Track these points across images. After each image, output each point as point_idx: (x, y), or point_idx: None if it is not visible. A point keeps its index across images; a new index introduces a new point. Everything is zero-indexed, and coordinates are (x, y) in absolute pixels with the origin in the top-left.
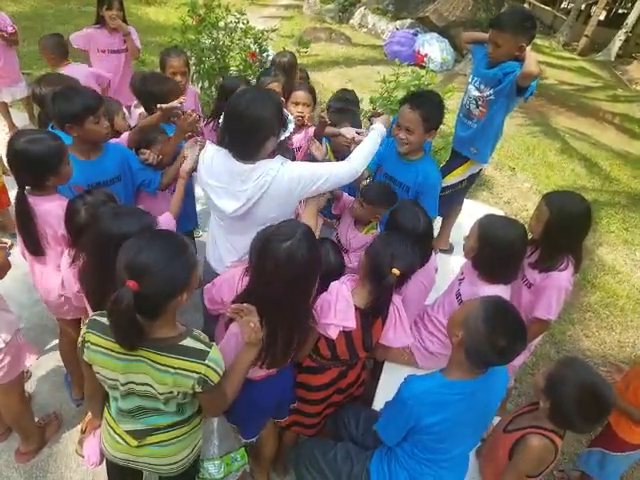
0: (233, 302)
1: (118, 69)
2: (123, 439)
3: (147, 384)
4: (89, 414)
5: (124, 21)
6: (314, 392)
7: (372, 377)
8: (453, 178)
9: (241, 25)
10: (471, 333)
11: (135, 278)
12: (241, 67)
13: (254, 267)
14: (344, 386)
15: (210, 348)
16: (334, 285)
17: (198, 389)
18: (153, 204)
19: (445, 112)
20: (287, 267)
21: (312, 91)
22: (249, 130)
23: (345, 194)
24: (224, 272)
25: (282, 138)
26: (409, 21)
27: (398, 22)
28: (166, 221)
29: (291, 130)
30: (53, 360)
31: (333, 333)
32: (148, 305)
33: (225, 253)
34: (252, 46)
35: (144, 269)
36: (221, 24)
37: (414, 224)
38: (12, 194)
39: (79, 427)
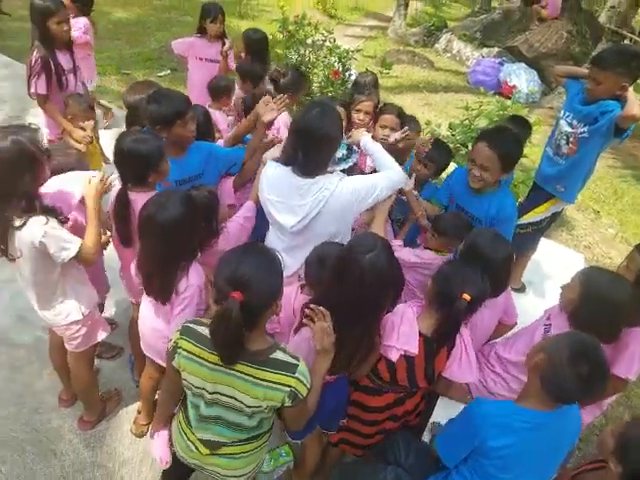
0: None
1: (211, 77)
2: (195, 447)
3: (234, 397)
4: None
5: (223, 33)
6: (368, 413)
7: (428, 407)
8: (535, 215)
9: (328, 43)
10: (552, 358)
11: (239, 289)
12: (323, 84)
13: (330, 277)
14: (399, 413)
15: (298, 361)
16: (400, 307)
17: (288, 403)
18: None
19: (528, 145)
20: (368, 278)
21: (401, 114)
22: (318, 145)
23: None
24: None
25: (346, 167)
26: (496, 49)
27: (485, 50)
28: (248, 208)
29: (355, 159)
30: (120, 339)
31: (394, 356)
32: (251, 316)
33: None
34: (336, 64)
35: (246, 280)
36: (309, 41)
37: (495, 251)
38: None
39: (136, 407)
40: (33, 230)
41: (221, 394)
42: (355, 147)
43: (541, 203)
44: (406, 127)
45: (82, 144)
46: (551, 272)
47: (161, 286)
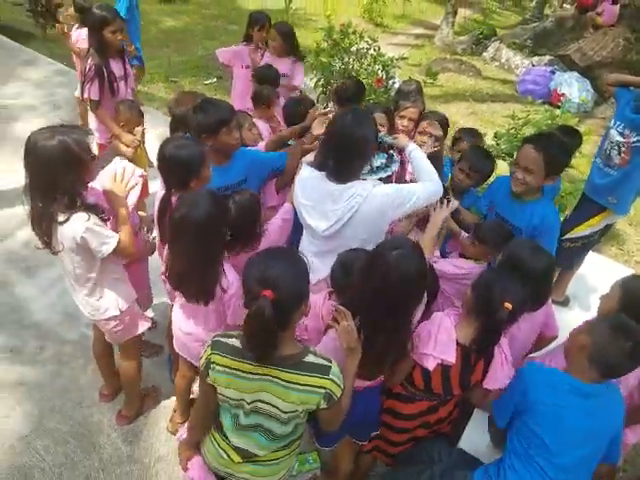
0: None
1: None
2: (227, 454)
3: (272, 404)
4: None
5: (266, 42)
6: (400, 420)
7: (463, 416)
8: (587, 229)
9: (372, 51)
10: (597, 339)
11: (269, 287)
12: (365, 92)
13: (358, 276)
14: (432, 421)
15: (331, 363)
16: (437, 315)
17: (323, 405)
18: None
19: (578, 155)
20: (394, 274)
21: (444, 122)
22: (349, 152)
23: (463, 232)
24: None
25: (384, 176)
26: (547, 58)
27: (535, 58)
28: (286, 210)
29: (395, 169)
30: (160, 339)
31: (430, 364)
32: (282, 314)
33: (313, 271)
34: (379, 72)
35: (276, 279)
36: (353, 49)
37: (535, 262)
38: (151, 185)
39: (173, 405)
40: (75, 226)
41: (260, 401)
42: (396, 156)
43: (592, 216)
44: (437, 143)
45: (130, 148)
46: (597, 287)
47: (201, 286)
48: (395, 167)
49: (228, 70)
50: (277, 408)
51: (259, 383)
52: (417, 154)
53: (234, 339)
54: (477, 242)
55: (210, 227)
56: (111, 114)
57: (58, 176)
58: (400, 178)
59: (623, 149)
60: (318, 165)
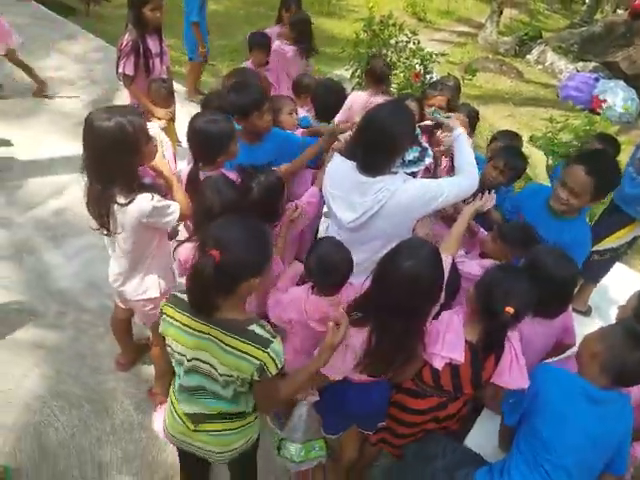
0: (349, 308)
1: (286, 62)
2: (183, 421)
3: (210, 364)
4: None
5: None
6: (409, 414)
7: (471, 413)
8: (616, 241)
9: (411, 45)
10: (611, 347)
11: (219, 248)
12: (402, 85)
13: (375, 276)
14: (441, 417)
15: (274, 339)
16: (446, 314)
17: (256, 377)
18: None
19: None
20: (409, 287)
21: (472, 115)
22: (385, 145)
23: (481, 230)
24: (289, 292)
25: (416, 170)
26: (593, 64)
27: (580, 64)
28: (312, 193)
29: (427, 163)
30: None
31: (438, 364)
32: (225, 279)
33: None
34: (417, 66)
35: (228, 243)
36: (392, 42)
37: (558, 270)
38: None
39: None
40: (142, 206)
41: (200, 360)
42: (429, 150)
43: (621, 227)
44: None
45: (163, 120)
46: (620, 299)
47: None
48: (428, 161)
49: None
50: (214, 368)
51: (201, 341)
52: (462, 142)
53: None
54: (499, 240)
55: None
56: (144, 90)
57: (116, 158)
58: (434, 174)
59: None
60: (348, 154)
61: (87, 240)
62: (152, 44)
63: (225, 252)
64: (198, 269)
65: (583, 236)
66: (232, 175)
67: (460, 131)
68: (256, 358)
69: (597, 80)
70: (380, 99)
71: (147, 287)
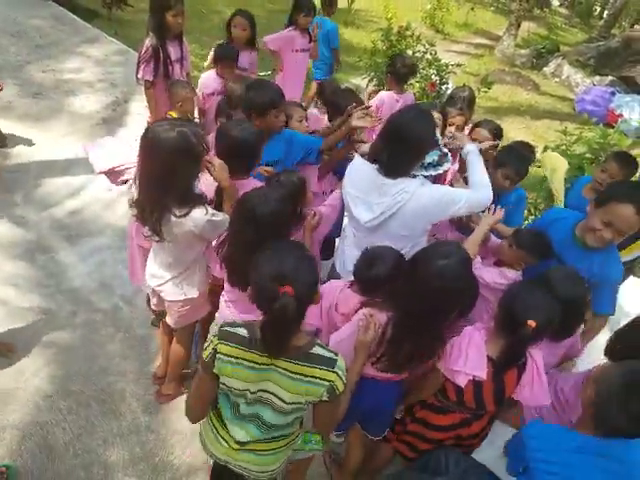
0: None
1: (303, 65)
2: (226, 441)
3: (275, 394)
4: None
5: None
6: (432, 431)
7: None
8: (634, 252)
9: (428, 56)
10: (602, 392)
11: (287, 283)
12: (418, 95)
13: (406, 270)
14: (464, 435)
15: (337, 356)
16: (467, 330)
17: (325, 397)
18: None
19: None
20: (435, 284)
21: (496, 131)
22: (405, 148)
23: (492, 236)
24: (329, 282)
25: (434, 174)
26: (609, 78)
27: (597, 77)
28: (335, 197)
29: (446, 168)
30: None
31: (462, 381)
32: (301, 309)
33: (349, 260)
34: (433, 77)
35: (292, 275)
36: (409, 52)
37: (568, 291)
38: None
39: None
40: (196, 220)
41: (264, 391)
42: (450, 156)
43: (636, 240)
44: (497, 142)
45: None
46: (632, 310)
47: (243, 275)
48: (447, 165)
49: (276, 56)
50: (281, 399)
51: (265, 373)
52: (474, 157)
53: (241, 328)
54: (515, 246)
55: (273, 224)
56: (162, 96)
57: (176, 169)
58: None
59: None
60: (372, 157)
61: (101, 241)
62: (173, 50)
63: (295, 283)
64: (279, 310)
65: (613, 266)
66: (259, 183)
67: (470, 148)
68: (326, 380)
69: (613, 94)
70: (409, 98)
71: (188, 288)
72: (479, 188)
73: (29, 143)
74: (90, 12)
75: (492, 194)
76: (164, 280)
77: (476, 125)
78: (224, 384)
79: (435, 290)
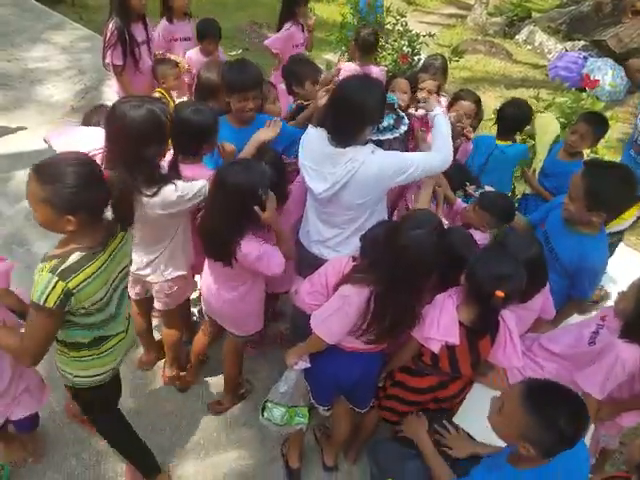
0: (354, 270)
1: None
2: (119, 341)
3: (125, 266)
4: None
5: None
6: (411, 393)
7: None
8: (623, 222)
9: (399, 27)
10: (524, 430)
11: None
12: (391, 67)
13: (382, 248)
14: (442, 397)
15: None
16: (439, 298)
17: None
18: None
19: (603, 143)
20: (411, 253)
21: (476, 103)
22: (350, 115)
23: (459, 200)
24: (329, 262)
25: (391, 137)
26: (581, 43)
27: (569, 43)
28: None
29: (402, 131)
30: None
31: (435, 347)
32: None
33: (312, 229)
34: (405, 48)
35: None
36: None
37: (523, 252)
38: None
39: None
40: (168, 198)
41: (121, 272)
42: (406, 119)
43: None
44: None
45: None
46: (623, 280)
47: (221, 247)
48: (403, 129)
49: (279, 58)
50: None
51: (116, 258)
52: (441, 121)
53: (73, 255)
54: (478, 208)
55: (249, 196)
56: (133, 80)
57: (144, 146)
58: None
59: None
60: (317, 122)
61: None
62: (138, 32)
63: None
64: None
65: (591, 254)
66: (210, 172)
67: (437, 111)
68: None
69: (586, 59)
70: (372, 69)
71: (174, 266)
72: (437, 152)
73: None
74: None
75: (450, 158)
76: (145, 264)
77: (457, 97)
78: (83, 308)
79: (412, 258)
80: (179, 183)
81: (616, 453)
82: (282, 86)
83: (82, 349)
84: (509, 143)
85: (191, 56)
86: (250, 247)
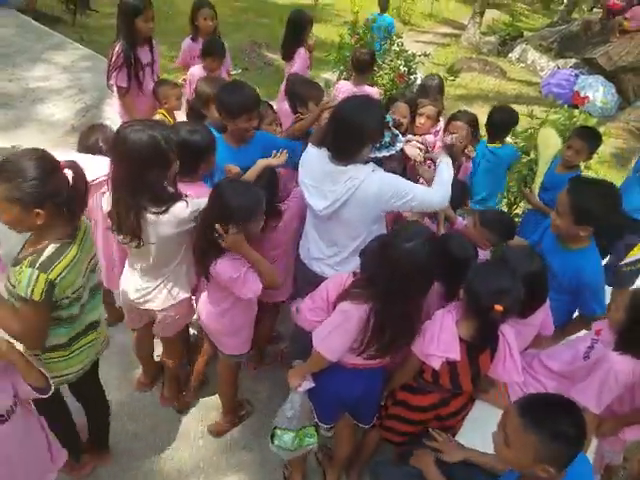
0: (352, 286)
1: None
2: (97, 333)
3: (93, 256)
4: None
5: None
6: (413, 412)
7: None
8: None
9: (395, 47)
10: (536, 452)
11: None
12: (388, 86)
13: (376, 262)
14: (444, 414)
15: None
16: (439, 314)
17: None
18: None
19: (595, 158)
20: (404, 265)
21: (473, 123)
22: (350, 134)
23: (460, 219)
24: (330, 278)
25: (387, 154)
26: (573, 61)
27: (561, 61)
28: (297, 191)
29: (398, 149)
30: None
31: (436, 364)
32: None
33: (312, 247)
34: (402, 68)
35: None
36: (377, 45)
37: (524, 267)
38: None
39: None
40: (180, 215)
41: (90, 260)
42: (401, 137)
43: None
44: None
45: None
46: None
47: (202, 263)
48: (399, 146)
49: None
50: None
51: (85, 247)
52: (444, 168)
53: (48, 248)
54: (479, 225)
55: (247, 213)
56: (136, 101)
57: (146, 170)
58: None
59: None
60: (317, 141)
61: None
62: (143, 54)
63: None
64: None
65: (586, 267)
66: (206, 189)
67: (442, 159)
68: None
69: (577, 77)
70: (367, 89)
71: (179, 290)
72: (436, 191)
73: None
74: (53, 19)
75: (447, 202)
76: (151, 289)
77: (453, 118)
78: (66, 298)
79: (406, 271)
80: (189, 200)
81: (620, 469)
82: (286, 106)
83: (57, 350)
84: (499, 145)
85: (194, 72)
86: (225, 267)
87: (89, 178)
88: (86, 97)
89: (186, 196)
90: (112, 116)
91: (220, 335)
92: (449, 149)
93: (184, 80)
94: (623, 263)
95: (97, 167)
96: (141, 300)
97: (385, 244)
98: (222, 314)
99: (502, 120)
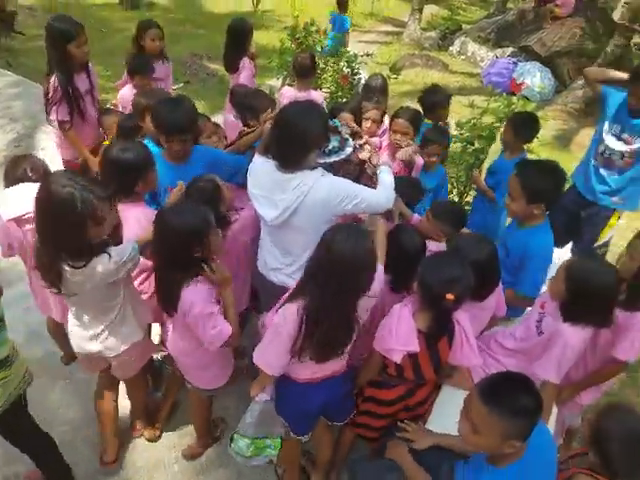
0: (291, 294)
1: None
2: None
3: None
4: None
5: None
6: (382, 406)
7: None
8: (609, 231)
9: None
10: (503, 431)
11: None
12: (332, 88)
13: (313, 262)
14: (412, 404)
15: None
16: (396, 308)
17: None
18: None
19: (535, 141)
20: (333, 260)
21: (414, 119)
22: (293, 140)
23: (415, 215)
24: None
25: (337, 159)
26: (510, 49)
27: (499, 50)
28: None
29: (348, 153)
30: None
31: (397, 357)
32: None
33: (268, 257)
34: (345, 69)
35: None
36: (318, 48)
37: (478, 252)
38: None
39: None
40: (106, 270)
41: None
42: (351, 141)
43: (606, 223)
44: (413, 147)
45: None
46: None
47: (165, 296)
48: (349, 150)
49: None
50: None
51: None
52: (385, 173)
53: None
54: (431, 217)
55: (182, 243)
56: (79, 132)
57: (59, 227)
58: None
59: (626, 155)
60: (262, 150)
61: (21, 289)
62: (80, 82)
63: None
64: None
65: (533, 242)
66: (152, 212)
67: (383, 166)
68: None
69: (516, 64)
70: (312, 93)
71: (130, 332)
72: (382, 190)
73: None
74: None
75: (391, 204)
76: (96, 335)
77: (395, 116)
78: None
79: (339, 267)
80: (111, 250)
81: (579, 431)
82: (231, 118)
83: None
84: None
85: (123, 94)
86: (192, 295)
87: (20, 212)
88: (18, 126)
89: (107, 246)
90: (47, 144)
91: (189, 368)
92: (409, 164)
93: (114, 105)
94: (596, 245)
95: (29, 199)
96: (92, 348)
97: (320, 243)
98: (192, 347)
99: (430, 98)
